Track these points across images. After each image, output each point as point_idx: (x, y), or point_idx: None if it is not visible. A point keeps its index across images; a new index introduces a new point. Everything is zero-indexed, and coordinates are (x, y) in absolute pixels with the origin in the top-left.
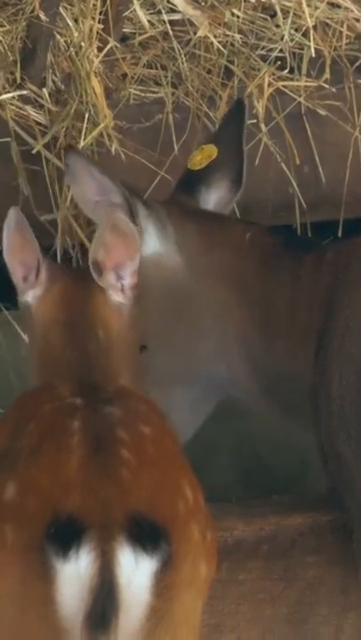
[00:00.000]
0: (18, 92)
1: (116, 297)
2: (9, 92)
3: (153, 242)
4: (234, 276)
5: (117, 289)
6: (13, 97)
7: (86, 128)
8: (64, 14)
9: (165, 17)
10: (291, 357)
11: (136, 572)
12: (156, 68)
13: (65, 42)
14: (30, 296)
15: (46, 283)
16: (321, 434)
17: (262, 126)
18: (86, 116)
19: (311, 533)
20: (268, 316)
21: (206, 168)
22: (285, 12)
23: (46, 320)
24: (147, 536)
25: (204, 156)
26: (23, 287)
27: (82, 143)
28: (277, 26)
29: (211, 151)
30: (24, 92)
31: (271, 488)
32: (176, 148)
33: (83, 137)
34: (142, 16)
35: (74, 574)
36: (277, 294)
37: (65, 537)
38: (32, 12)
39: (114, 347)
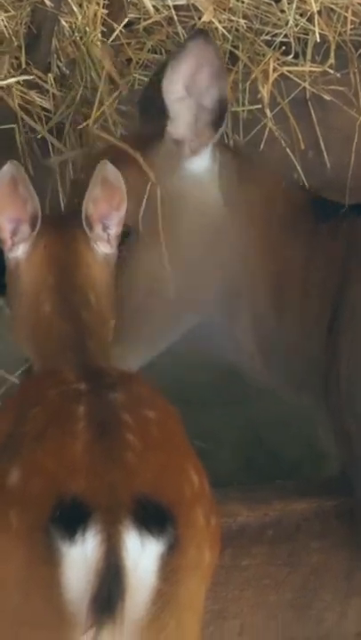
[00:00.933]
0: (23, 77)
1: (104, 248)
2: (14, 76)
3: (205, 162)
4: (262, 224)
5: (104, 240)
6: (18, 82)
7: (92, 113)
8: None
9: (170, 2)
10: (301, 329)
11: (142, 555)
12: (161, 54)
13: (70, 27)
14: (21, 250)
15: (35, 237)
16: (332, 413)
17: (267, 111)
18: (97, 97)
19: (316, 518)
20: (283, 280)
21: None
22: None
23: (35, 280)
24: (153, 519)
25: None
26: (13, 242)
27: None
28: (282, 11)
29: None
30: (29, 77)
31: (275, 474)
32: None
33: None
34: (147, 1)
35: (80, 557)
36: (296, 259)
37: (71, 520)
38: None
39: (103, 303)
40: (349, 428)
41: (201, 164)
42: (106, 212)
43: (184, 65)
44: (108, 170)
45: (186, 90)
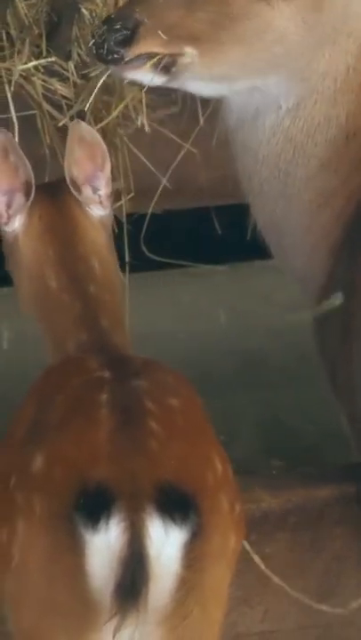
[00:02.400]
0: (43, 61)
1: (97, 210)
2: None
3: None
4: None
5: (96, 201)
6: (39, 70)
7: (113, 101)
8: None
9: None
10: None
11: (166, 543)
12: None
13: (90, 14)
14: (17, 223)
15: (30, 207)
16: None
17: None
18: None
19: (338, 505)
20: None
21: None
22: None
23: (36, 254)
24: (176, 507)
25: None
26: (8, 215)
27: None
28: None
29: None
30: (50, 60)
31: (296, 458)
32: (201, 120)
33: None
34: None
35: (103, 545)
36: None
37: (94, 507)
38: None
39: (108, 269)
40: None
41: None
42: (91, 173)
43: None
44: (83, 129)
45: None
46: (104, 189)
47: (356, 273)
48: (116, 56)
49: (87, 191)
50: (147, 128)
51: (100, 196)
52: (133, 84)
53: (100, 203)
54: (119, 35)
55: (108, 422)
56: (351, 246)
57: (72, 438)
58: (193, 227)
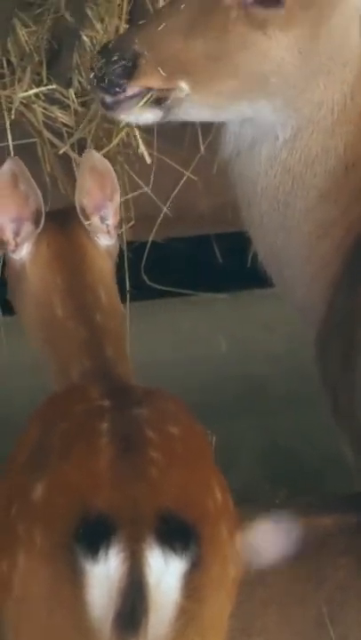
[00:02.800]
0: (43, 89)
1: (104, 240)
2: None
3: None
4: None
5: (104, 231)
6: (39, 97)
7: (114, 129)
8: (89, 14)
9: None
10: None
11: (165, 572)
12: None
13: (91, 41)
14: (25, 251)
15: (38, 235)
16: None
17: None
18: None
19: (341, 534)
20: None
21: None
22: None
23: (43, 282)
24: (176, 536)
25: None
26: (16, 242)
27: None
28: None
29: None
30: (51, 87)
31: (299, 485)
32: (202, 148)
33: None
34: None
35: (103, 575)
36: None
37: (94, 537)
38: (57, 12)
39: (113, 298)
40: None
41: None
42: (100, 203)
43: None
44: (95, 159)
45: None
46: (112, 219)
47: (357, 302)
48: (117, 89)
49: (95, 220)
50: (147, 158)
51: (107, 226)
52: (129, 124)
53: (108, 232)
54: (118, 67)
55: (109, 451)
56: (351, 276)
57: (72, 467)
58: (193, 254)
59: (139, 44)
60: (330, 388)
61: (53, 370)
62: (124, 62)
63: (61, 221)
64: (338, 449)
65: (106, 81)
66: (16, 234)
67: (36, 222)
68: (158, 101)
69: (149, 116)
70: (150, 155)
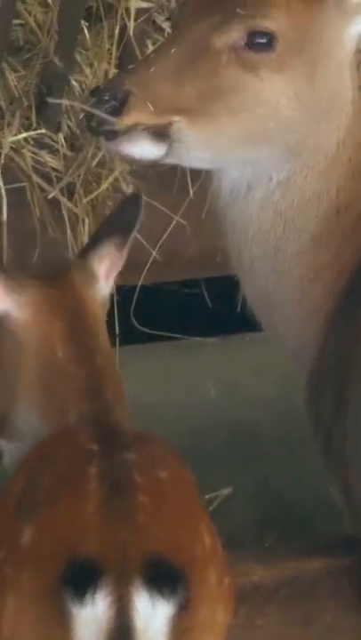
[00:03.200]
0: (33, 133)
1: (104, 287)
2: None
3: None
4: None
5: (104, 280)
6: (29, 142)
7: (103, 173)
8: (78, 59)
9: None
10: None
11: (153, 616)
12: None
13: (80, 86)
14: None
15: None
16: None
17: None
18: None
19: (330, 577)
20: None
21: None
22: None
23: (45, 329)
24: (164, 580)
25: None
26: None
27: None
28: None
29: None
30: (40, 132)
31: (289, 529)
32: (191, 192)
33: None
34: None
35: (91, 618)
36: None
37: (81, 581)
38: (46, 56)
39: (108, 343)
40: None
41: None
42: (109, 270)
43: None
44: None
45: None
46: (116, 271)
47: (349, 346)
48: (107, 127)
49: (100, 275)
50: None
51: (108, 275)
52: (130, 161)
53: (107, 280)
54: (108, 106)
55: (97, 495)
56: (343, 320)
57: (61, 512)
58: (183, 299)
59: (129, 84)
60: (322, 433)
61: (47, 417)
62: (114, 102)
63: (56, 275)
64: (328, 492)
65: (95, 120)
66: None
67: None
68: (160, 135)
69: (152, 149)
70: None
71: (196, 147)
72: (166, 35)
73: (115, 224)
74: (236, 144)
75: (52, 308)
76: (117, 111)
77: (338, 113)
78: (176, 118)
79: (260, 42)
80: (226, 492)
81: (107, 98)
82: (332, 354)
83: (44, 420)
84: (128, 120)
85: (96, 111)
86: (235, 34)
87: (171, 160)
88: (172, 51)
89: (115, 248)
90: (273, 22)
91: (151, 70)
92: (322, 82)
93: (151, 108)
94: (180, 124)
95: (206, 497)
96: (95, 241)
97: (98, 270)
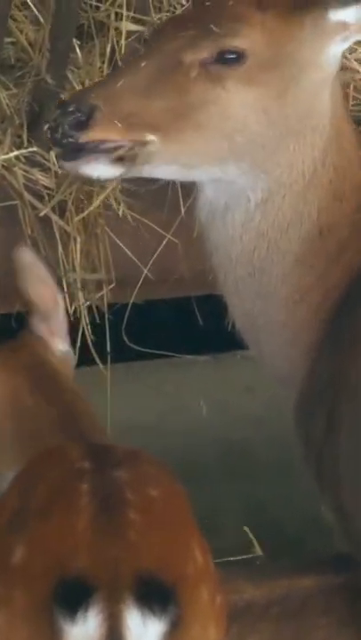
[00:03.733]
0: (24, 151)
1: (58, 343)
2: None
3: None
4: None
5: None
6: (20, 160)
7: (94, 191)
8: (70, 77)
9: None
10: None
11: (144, 634)
12: None
13: None
14: None
15: None
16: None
17: None
18: None
19: (321, 595)
20: None
21: None
22: None
23: (8, 390)
24: (155, 597)
25: None
26: None
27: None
28: None
29: None
30: (32, 150)
31: (280, 549)
32: (183, 209)
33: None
34: None
35: (82, 636)
36: None
37: (73, 598)
38: (38, 74)
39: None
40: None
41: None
42: (51, 331)
43: None
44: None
45: None
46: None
47: (338, 368)
48: (70, 140)
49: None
50: (130, 219)
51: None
52: (85, 180)
53: (54, 337)
54: (72, 118)
55: (88, 513)
56: (331, 342)
57: (52, 529)
58: (174, 317)
59: (95, 98)
60: (313, 453)
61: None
62: (79, 114)
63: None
64: (318, 511)
65: (59, 132)
66: None
67: None
68: (122, 159)
69: (111, 171)
70: (131, 217)
71: (163, 163)
72: None
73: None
74: (204, 160)
75: (12, 367)
76: (82, 125)
77: (311, 133)
78: (150, 136)
79: (230, 57)
80: None
81: (72, 110)
82: (321, 375)
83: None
84: (93, 136)
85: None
86: (205, 51)
87: (133, 174)
88: (142, 65)
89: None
90: (245, 41)
91: (119, 84)
92: (293, 100)
93: (118, 125)
94: (153, 143)
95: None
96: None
97: (42, 334)
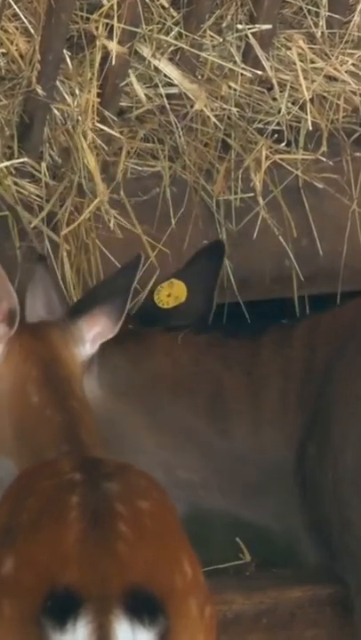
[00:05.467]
0: (15, 162)
1: (89, 350)
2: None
3: None
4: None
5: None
6: (11, 172)
7: (85, 202)
8: (61, 88)
9: (162, 90)
10: (253, 437)
11: None
12: (154, 142)
13: (62, 115)
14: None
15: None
16: (317, 505)
17: (260, 200)
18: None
19: (310, 606)
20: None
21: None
22: (282, 86)
23: (19, 375)
24: (144, 609)
25: (172, 294)
26: None
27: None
28: (274, 99)
29: (180, 292)
30: (22, 160)
31: (270, 559)
32: (173, 221)
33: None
34: (139, 90)
35: None
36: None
37: (62, 610)
38: (29, 85)
39: (82, 393)
40: (352, 516)
41: None
42: (97, 337)
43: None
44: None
45: None
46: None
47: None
48: None
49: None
50: (120, 231)
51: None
52: None
53: (92, 344)
54: None
55: (78, 525)
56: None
57: (41, 541)
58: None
59: None
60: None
61: (24, 458)
62: None
63: (37, 327)
64: (310, 522)
65: None
66: None
67: (10, 324)
68: None
69: None
70: (122, 228)
71: None
72: (147, 64)
73: (112, 287)
74: None
75: (27, 355)
76: None
77: None
78: None
79: None
80: None
81: None
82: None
83: (24, 465)
84: None
85: None
86: None
87: None
88: None
89: (107, 317)
90: None
91: None
92: None
93: None
94: None
95: None
96: (89, 304)
97: (85, 334)
